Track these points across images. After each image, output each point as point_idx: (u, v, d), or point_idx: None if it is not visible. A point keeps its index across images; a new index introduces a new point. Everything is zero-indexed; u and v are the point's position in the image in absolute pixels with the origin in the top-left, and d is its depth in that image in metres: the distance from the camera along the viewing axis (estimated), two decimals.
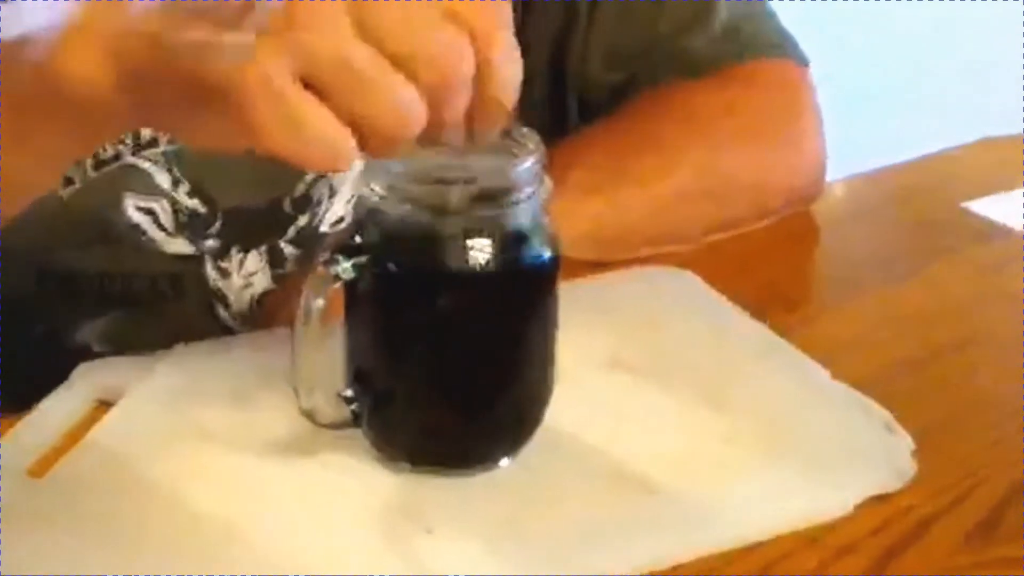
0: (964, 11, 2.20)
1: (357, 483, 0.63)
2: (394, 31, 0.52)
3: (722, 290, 0.78)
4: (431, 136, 0.54)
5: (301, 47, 0.51)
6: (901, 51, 2.21)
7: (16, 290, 0.80)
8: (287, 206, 0.84)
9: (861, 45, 2.15)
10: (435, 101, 0.53)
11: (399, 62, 0.52)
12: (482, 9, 0.53)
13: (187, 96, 0.54)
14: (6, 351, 0.76)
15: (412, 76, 0.52)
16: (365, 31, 0.52)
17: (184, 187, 0.81)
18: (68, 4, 0.58)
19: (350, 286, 0.61)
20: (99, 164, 0.79)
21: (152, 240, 0.81)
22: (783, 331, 0.74)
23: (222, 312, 0.84)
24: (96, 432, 0.66)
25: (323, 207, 0.85)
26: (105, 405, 0.68)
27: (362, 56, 0.52)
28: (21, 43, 0.59)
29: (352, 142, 0.52)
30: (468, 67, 0.53)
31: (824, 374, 0.71)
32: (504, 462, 0.64)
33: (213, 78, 0.52)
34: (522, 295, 0.62)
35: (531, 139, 0.61)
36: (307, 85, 0.52)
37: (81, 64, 0.56)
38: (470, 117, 0.54)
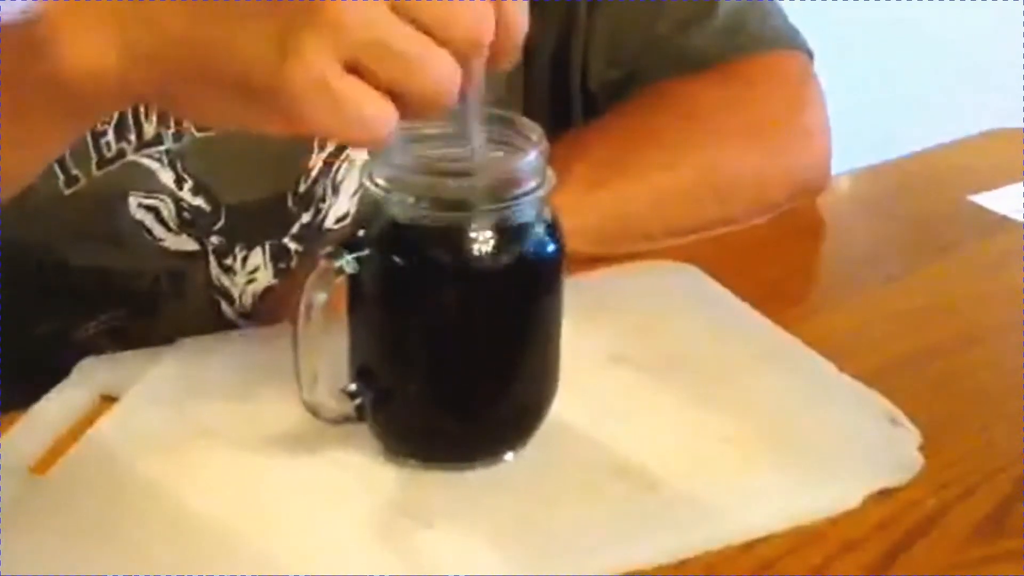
0: (969, 4, 2.20)
1: (360, 478, 0.63)
2: (426, 5, 0.54)
3: (726, 284, 0.78)
4: (461, 92, 0.56)
5: (342, 35, 0.53)
6: (906, 44, 2.21)
7: (19, 287, 0.80)
8: (290, 203, 0.84)
9: (865, 38, 2.15)
10: (466, 59, 0.55)
11: (433, 31, 0.54)
12: None
13: (221, 87, 0.55)
14: (9, 348, 0.76)
15: (445, 42, 0.54)
16: (398, 10, 0.54)
17: (188, 184, 0.81)
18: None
19: (353, 280, 0.61)
20: (103, 162, 0.79)
21: (156, 237, 0.81)
22: (787, 325, 0.74)
23: (226, 309, 0.84)
24: (99, 428, 0.66)
25: (327, 203, 0.85)
26: (108, 400, 0.68)
27: (401, 36, 0.54)
28: (17, 23, 0.58)
29: (395, 114, 0.55)
30: (492, 23, 0.55)
31: (829, 368, 0.71)
32: (508, 457, 0.64)
33: (254, 75, 0.54)
34: (526, 289, 0.62)
35: (535, 132, 0.61)
36: (350, 68, 0.54)
37: (89, 54, 0.56)
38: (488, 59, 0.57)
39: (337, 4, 0.53)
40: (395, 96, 0.54)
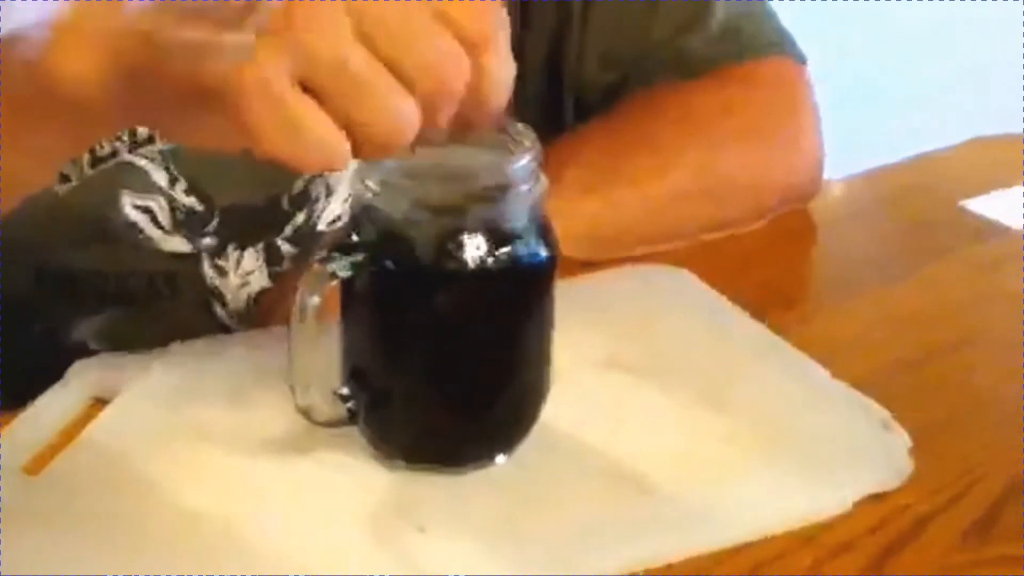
0: (963, 11, 2.20)
1: (352, 481, 0.63)
2: (393, 37, 0.52)
3: (719, 289, 0.78)
4: (421, 139, 0.54)
5: (300, 49, 0.52)
6: (899, 50, 2.21)
7: (13, 288, 0.80)
8: (284, 204, 0.84)
9: (859, 44, 2.15)
10: (429, 107, 0.53)
11: (396, 68, 0.52)
12: (477, 12, 0.54)
13: (183, 96, 0.54)
14: (3, 349, 0.76)
15: (409, 83, 0.52)
16: (364, 36, 0.52)
17: (181, 185, 0.81)
18: (59, 2, 0.58)
19: (346, 284, 0.61)
20: (96, 162, 0.79)
21: (149, 238, 0.81)
22: (780, 330, 0.74)
23: (219, 310, 0.84)
24: (92, 430, 0.66)
25: (320, 205, 0.85)
26: (101, 403, 0.68)
27: (360, 60, 0.52)
28: (12, 40, 0.58)
29: (347, 145, 0.53)
30: (464, 75, 0.53)
31: (822, 373, 0.71)
32: (500, 460, 0.64)
33: (210, 79, 0.53)
34: (518, 293, 0.62)
35: (527, 136, 0.61)
36: (305, 88, 0.52)
37: (75, 63, 0.56)
38: (461, 118, 0.55)
39: (303, 18, 0.51)
40: (349, 129, 0.52)
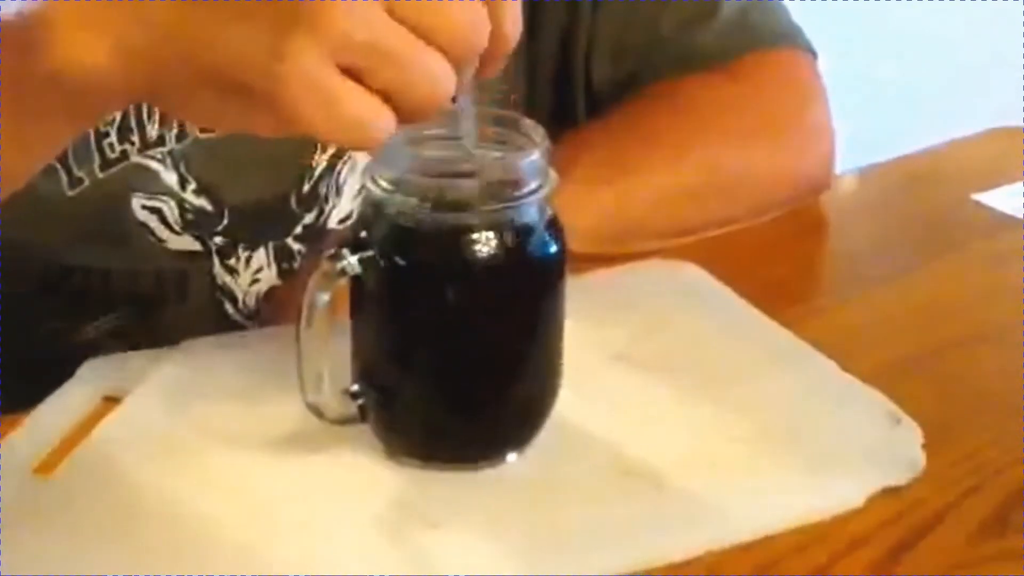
0: (969, 6, 2.20)
1: (363, 479, 0.63)
2: (422, 9, 0.54)
3: (730, 284, 0.78)
4: (453, 96, 0.56)
5: (336, 35, 0.53)
6: (908, 43, 2.21)
7: (23, 288, 0.80)
8: (294, 203, 0.84)
9: (868, 37, 2.15)
10: (460, 63, 0.55)
11: (428, 35, 0.54)
12: None
13: (215, 88, 0.55)
14: (12, 349, 0.76)
15: (441, 47, 0.54)
16: (394, 13, 0.53)
17: (191, 186, 0.81)
18: None
19: (356, 281, 0.61)
20: (106, 164, 0.79)
21: (159, 238, 0.81)
22: (791, 324, 0.74)
23: (229, 309, 0.84)
24: (102, 429, 0.66)
25: (330, 204, 0.85)
26: (112, 401, 0.68)
27: (395, 37, 0.54)
28: (10, 27, 0.58)
29: (392, 118, 0.54)
30: (487, 28, 0.55)
31: (833, 367, 0.71)
32: (511, 457, 0.64)
33: (248, 76, 0.54)
34: (529, 289, 0.62)
35: (537, 133, 0.61)
36: (345, 71, 0.53)
37: (84, 53, 0.56)
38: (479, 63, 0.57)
39: (332, 5, 0.53)
40: (390, 99, 0.54)
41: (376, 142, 0.55)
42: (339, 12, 0.53)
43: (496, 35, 0.56)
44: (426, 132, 0.61)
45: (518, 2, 0.57)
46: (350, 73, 0.54)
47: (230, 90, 0.55)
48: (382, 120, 0.54)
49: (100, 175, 0.79)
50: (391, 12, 0.53)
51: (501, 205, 0.60)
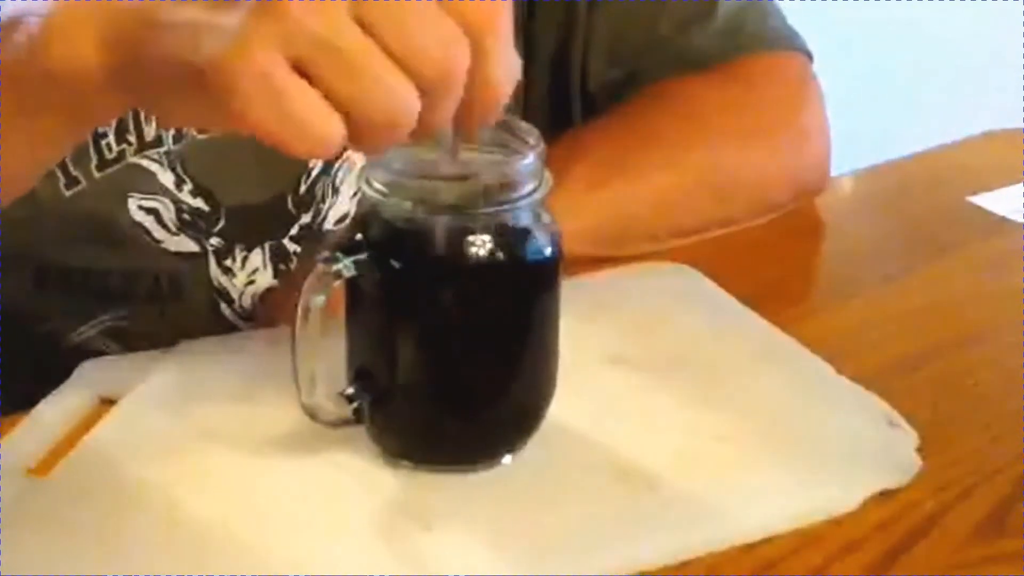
0: (969, 6, 2.20)
1: (358, 481, 0.63)
2: (390, 20, 0.51)
3: (725, 285, 0.78)
4: (425, 132, 0.53)
5: (293, 30, 0.51)
6: (906, 44, 2.21)
7: (19, 289, 0.80)
8: (290, 204, 0.84)
9: (868, 37, 2.15)
10: (431, 97, 0.52)
11: (397, 57, 0.51)
12: (480, 1, 0.53)
13: (178, 78, 0.53)
14: (9, 350, 0.76)
15: (406, 68, 0.51)
16: (360, 19, 0.51)
17: (188, 186, 0.81)
18: None
19: (352, 283, 0.61)
20: (103, 164, 0.79)
21: (156, 239, 0.81)
22: (786, 326, 0.74)
23: (225, 310, 0.84)
24: (98, 430, 0.66)
25: (327, 205, 0.85)
26: (108, 403, 0.68)
27: (354, 42, 0.51)
28: (10, 25, 0.58)
29: (341, 129, 0.51)
30: (464, 64, 0.52)
31: (828, 370, 0.71)
32: (506, 459, 0.64)
33: (200, 61, 0.52)
34: (524, 291, 0.62)
35: (532, 135, 0.61)
36: (299, 70, 0.51)
37: (73, 49, 0.56)
38: (466, 111, 0.54)
39: (298, 2, 0.51)
40: (345, 115, 0.51)
41: (318, 151, 0.52)
42: (300, 5, 0.51)
43: (483, 81, 0.53)
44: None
45: (511, 55, 0.54)
46: (305, 75, 0.51)
47: (190, 81, 0.53)
48: (328, 127, 0.51)
49: (97, 175, 0.79)
50: (359, 20, 0.51)
51: (496, 208, 0.59)
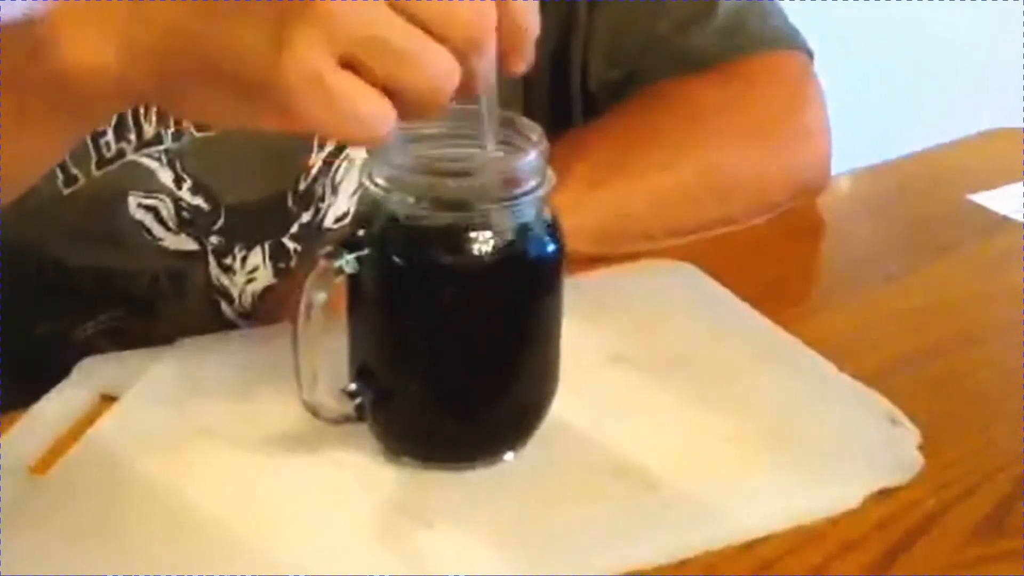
0: (969, 6, 2.20)
1: (360, 478, 0.63)
2: (424, 2, 0.53)
3: (726, 284, 0.78)
4: (464, 91, 0.56)
5: (338, 30, 0.53)
6: (906, 44, 2.21)
7: (18, 287, 0.80)
8: (290, 202, 0.84)
9: (868, 37, 2.15)
10: (466, 57, 0.55)
11: (431, 28, 0.54)
12: None
13: (216, 83, 0.55)
14: (8, 348, 0.76)
15: (444, 39, 0.54)
16: (396, 5, 0.53)
17: (187, 184, 0.81)
18: None
19: (353, 280, 0.61)
20: (102, 162, 0.79)
21: (155, 237, 0.81)
22: (786, 325, 0.74)
23: (225, 308, 0.84)
24: (99, 427, 0.66)
25: (326, 203, 0.85)
26: (108, 400, 0.68)
27: (397, 31, 0.53)
28: (14, 28, 0.58)
29: (393, 113, 0.54)
30: (493, 21, 0.55)
31: (829, 368, 0.71)
32: (507, 457, 0.64)
33: (249, 70, 0.54)
34: (526, 288, 0.62)
35: (535, 132, 0.61)
36: (346, 64, 0.53)
37: (89, 52, 0.56)
38: (499, 57, 0.56)
39: None
40: (392, 94, 0.54)
41: (377, 138, 0.55)
42: (339, 6, 0.53)
43: (511, 28, 0.56)
44: (425, 130, 0.61)
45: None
46: (351, 68, 0.53)
47: (233, 86, 0.55)
48: (383, 115, 0.54)
49: (96, 173, 0.79)
50: (392, 5, 0.53)
51: (499, 204, 0.59)
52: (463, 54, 0.55)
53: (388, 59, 0.53)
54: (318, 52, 0.53)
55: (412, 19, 0.53)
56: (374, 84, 0.54)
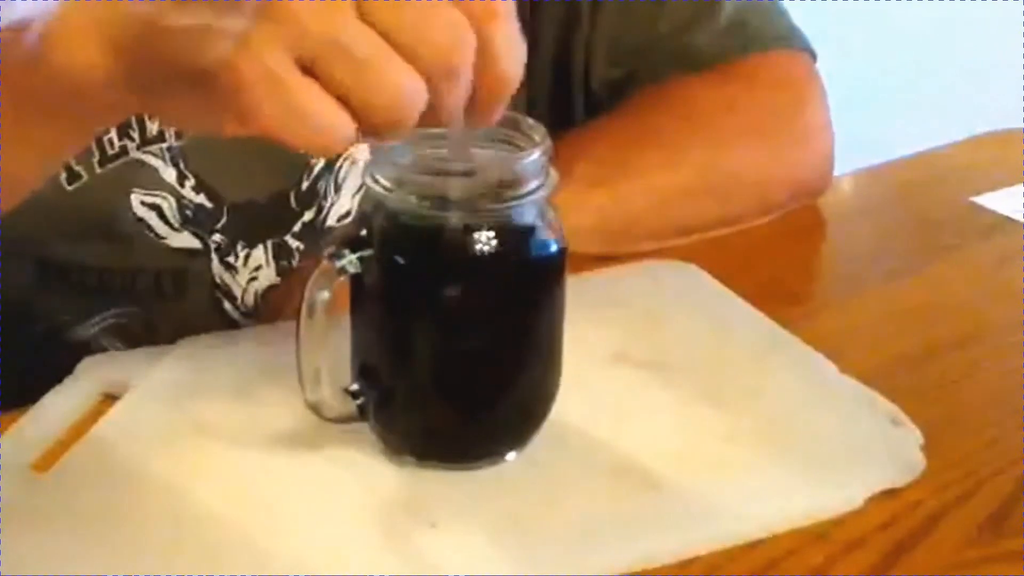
0: (969, 6, 2.20)
1: (362, 478, 0.63)
2: (396, 16, 0.51)
3: (727, 284, 0.78)
4: (433, 121, 0.53)
5: (299, 30, 0.51)
6: (906, 46, 2.21)
7: (19, 285, 0.80)
8: (293, 201, 0.84)
9: (868, 37, 2.15)
10: (437, 86, 0.52)
11: (401, 47, 0.52)
12: None
13: (184, 81, 0.54)
14: (10, 346, 0.76)
15: (411, 58, 0.52)
16: (365, 15, 0.51)
17: (190, 182, 0.81)
18: None
19: (356, 279, 0.61)
20: (105, 159, 0.79)
21: (158, 235, 0.81)
22: (788, 325, 0.74)
23: (228, 307, 0.84)
24: (101, 426, 0.66)
25: (329, 202, 0.85)
26: (110, 399, 0.68)
27: (360, 38, 0.51)
28: (13, 33, 0.58)
29: (350, 125, 0.52)
30: (470, 51, 0.52)
31: (830, 368, 0.71)
32: (510, 456, 0.64)
33: (207, 63, 0.52)
34: (528, 288, 0.62)
35: (537, 132, 0.61)
36: (305, 68, 0.52)
37: (77, 53, 0.56)
38: (473, 100, 0.54)
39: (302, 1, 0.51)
40: (350, 106, 0.52)
41: (329, 146, 0.52)
42: (303, 6, 0.51)
43: (491, 74, 0.53)
44: (427, 131, 0.60)
45: (517, 41, 0.54)
46: (311, 73, 0.52)
47: (196, 83, 0.53)
48: (337, 122, 0.52)
49: (99, 171, 0.79)
50: (361, 14, 0.51)
51: (501, 204, 0.60)
52: (432, 78, 0.52)
53: (347, 66, 0.51)
54: (275, 49, 0.51)
55: (381, 31, 0.51)
56: (334, 92, 0.52)
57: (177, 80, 0.54)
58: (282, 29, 0.51)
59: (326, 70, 0.51)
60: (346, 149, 0.53)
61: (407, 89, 0.52)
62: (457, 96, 0.53)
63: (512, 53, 0.54)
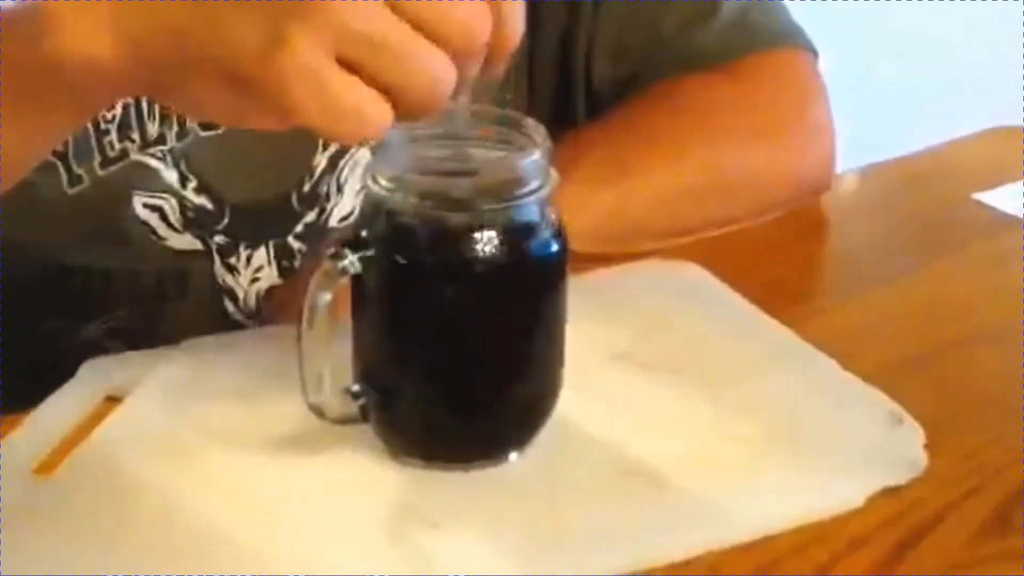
0: (969, 4, 2.20)
1: (364, 479, 0.63)
2: (423, 5, 0.54)
3: (730, 283, 0.78)
4: (453, 93, 0.56)
5: (335, 27, 0.53)
6: (908, 43, 2.21)
7: (23, 287, 0.80)
8: (295, 202, 0.84)
9: (868, 37, 2.15)
10: (461, 60, 0.55)
11: (429, 30, 0.54)
12: None
13: (208, 74, 0.55)
14: (12, 348, 0.76)
15: (441, 42, 0.54)
16: (395, 3, 0.53)
17: (192, 184, 0.81)
18: None
19: (357, 280, 0.61)
20: (106, 162, 0.79)
21: (160, 237, 0.81)
22: (791, 324, 0.74)
23: (230, 308, 0.84)
24: (103, 429, 0.66)
25: (331, 203, 0.85)
26: (113, 401, 0.68)
27: (394, 30, 0.53)
28: (11, 22, 0.58)
29: (389, 113, 0.54)
30: (488, 26, 0.55)
31: (834, 367, 0.71)
32: (512, 457, 0.64)
33: (237, 62, 0.54)
34: (530, 288, 0.62)
35: (538, 132, 0.61)
36: (344, 64, 0.53)
37: (83, 38, 0.56)
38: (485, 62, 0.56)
39: None
40: (390, 95, 0.54)
41: (372, 136, 0.55)
42: (339, 4, 0.53)
43: (499, 34, 0.56)
44: (427, 131, 0.61)
45: (521, 2, 0.57)
46: (349, 67, 0.53)
47: (229, 81, 0.55)
48: (378, 113, 0.54)
49: (100, 173, 0.79)
50: (392, 7, 0.53)
51: (502, 204, 0.60)
52: (459, 56, 0.55)
53: (384, 58, 0.53)
54: (316, 49, 0.53)
55: (411, 21, 0.54)
56: (372, 84, 0.54)
57: (207, 77, 0.55)
58: (320, 28, 0.53)
59: (365, 64, 0.53)
60: (382, 136, 0.55)
61: (443, 73, 0.54)
62: (474, 66, 0.56)
63: (516, 14, 0.57)
